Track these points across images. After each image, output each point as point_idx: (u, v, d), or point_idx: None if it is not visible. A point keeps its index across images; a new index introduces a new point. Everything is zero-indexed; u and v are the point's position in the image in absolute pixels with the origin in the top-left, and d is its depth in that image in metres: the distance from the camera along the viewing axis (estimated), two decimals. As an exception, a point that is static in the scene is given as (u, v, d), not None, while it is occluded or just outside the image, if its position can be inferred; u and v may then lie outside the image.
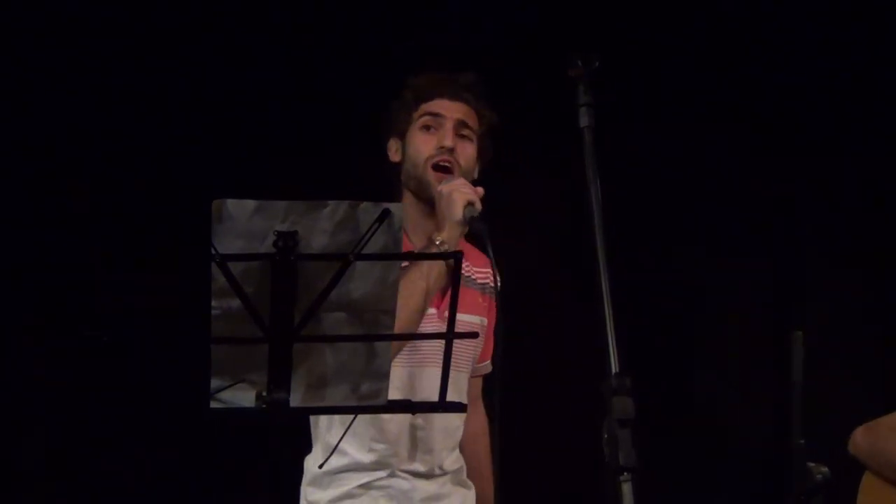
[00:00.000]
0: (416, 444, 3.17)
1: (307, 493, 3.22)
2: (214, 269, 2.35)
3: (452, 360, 3.06)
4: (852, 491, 3.52)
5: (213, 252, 2.33)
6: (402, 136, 3.25)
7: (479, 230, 3.01)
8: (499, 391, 3.04)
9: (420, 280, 3.00)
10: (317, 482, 3.21)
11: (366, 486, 3.16)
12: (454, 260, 2.50)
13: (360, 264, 2.38)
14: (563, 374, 4.51)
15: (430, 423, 3.19)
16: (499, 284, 3.27)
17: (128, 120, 4.42)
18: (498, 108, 3.30)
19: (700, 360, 4.68)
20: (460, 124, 3.21)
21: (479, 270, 3.31)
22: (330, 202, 2.41)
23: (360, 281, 2.40)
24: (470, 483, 3.35)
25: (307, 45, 4.49)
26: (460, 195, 3.03)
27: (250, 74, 4.45)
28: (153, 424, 4.31)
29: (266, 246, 2.34)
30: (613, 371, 2.26)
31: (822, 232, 4.73)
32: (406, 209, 3.14)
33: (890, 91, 4.61)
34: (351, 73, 4.49)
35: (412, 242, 3.16)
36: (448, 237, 3.03)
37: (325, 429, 3.19)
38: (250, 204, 2.37)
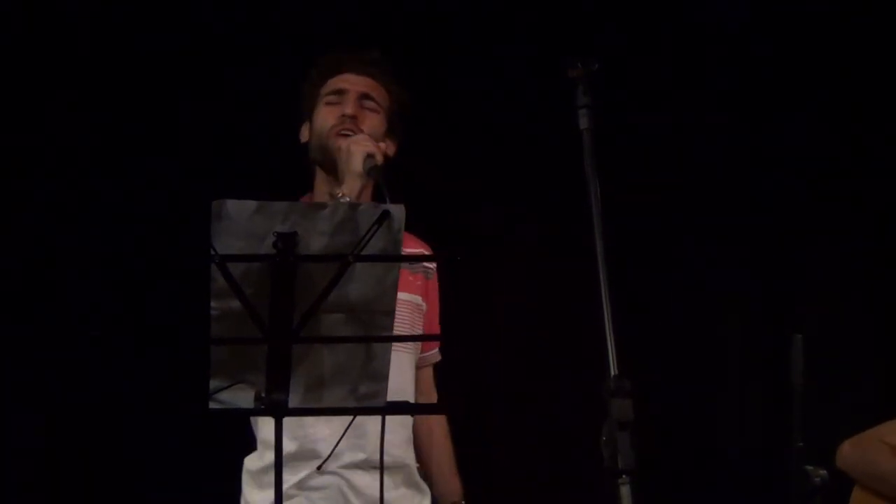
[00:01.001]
0: (345, 427, 3.00)
1: (246, 493, 3.12)
2: (214, 269, 2.35)
3: None
4: (850, 494, 3.52)
5: (213, 253, 2.33)
6: (310, 116, 3.24)
7: (377, 178, 2.96)
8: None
9: None
10: (255, 481, 3.10)
11: (300, 486, 3.04)
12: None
13: (359, 266, 2.39)
14: (562, 376, 4.51)
15: None
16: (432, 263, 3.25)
17: (129, 120, 4.42)
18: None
19: (699, 363, 4.68)
20: (363, 96, 3.18)
21: (407, 252, 3.15)
22: (329, 203, 2.42)
23: (359, 282, 2.40)
24: (425, 487, 3.22)
25: (308, 46, 4.48)
26: (359, 147, 3.01)
27: (253, 73, 4.45)
28: (154, 425, 4.31)
29: (266, 247, 2.34)
30: (612, 373, 2.26)
31: (822, 235, 4.72)
32: (319, 187, 3.17)
33: (891, 91, 4.61)
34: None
35: None
36: (349, 189, 2.99)
37: (262, 423, 3.10)
38: (250, 205, 2.38)
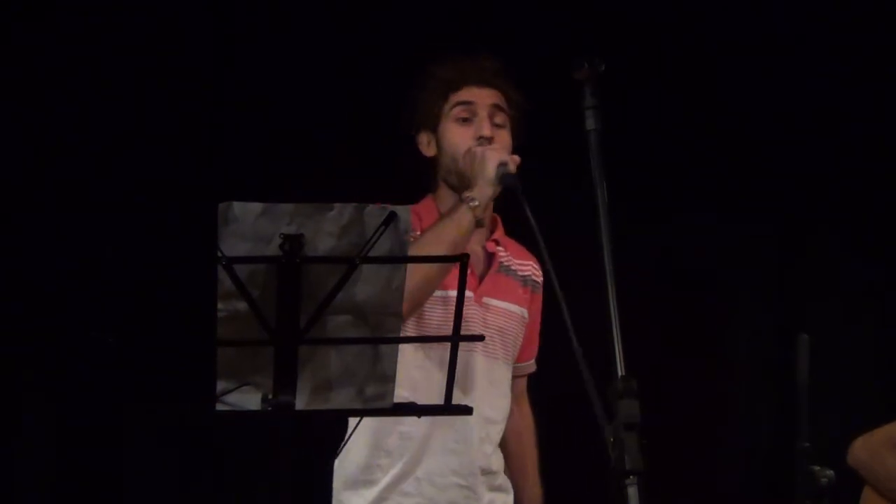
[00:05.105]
0: (448, 435, 3.12)
1: (342, 497, 3.18)
2: (221, 271, 2.35)
3: (489, 346, 3.13)
4: (857, 495, 3.52)
5: (220, 254, 2.33)
6: (434, 129, 3.20)
7: (512, 185, 2.96)
8: None
9: (447, 232, 2.99)
10: (353, 485, 3.16)
11: (391, 489, 3.12)
12: (461, 262, 2.48)
13: (365, 267, 2.38)
14: (569, 376, 4.50)
15: (474, 414, 3.03)
16: (540, 276, 3.29)
17: (133, 120, 4.42)
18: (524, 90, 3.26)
19: (705, 363, 4.68)
20: (494, 110, 3.17)
21: (520, 263, 3.28)
22: (336, 205, 2.41)
23: (366, 284, 2.40)
24: (508, 486, 3.28)
25: (310, 46, 4.49)
26: (493, 153, 3.02)
27: (257, 73, 4.45)
28: (158, 427, 4.31)
29: (272, 248, 2.34)
30: (619, 374, 2.26)
31: (828, 234, 4.72)
32: (443, 197, 3.18)
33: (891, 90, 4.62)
34: (351, 74, 4.50)
35: None
36: (479, 195, 3.01)
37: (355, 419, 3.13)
38: (256, 206, 2.38)
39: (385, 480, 3.12)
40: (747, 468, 4.58)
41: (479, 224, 3.03)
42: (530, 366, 3.39)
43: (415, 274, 2.73)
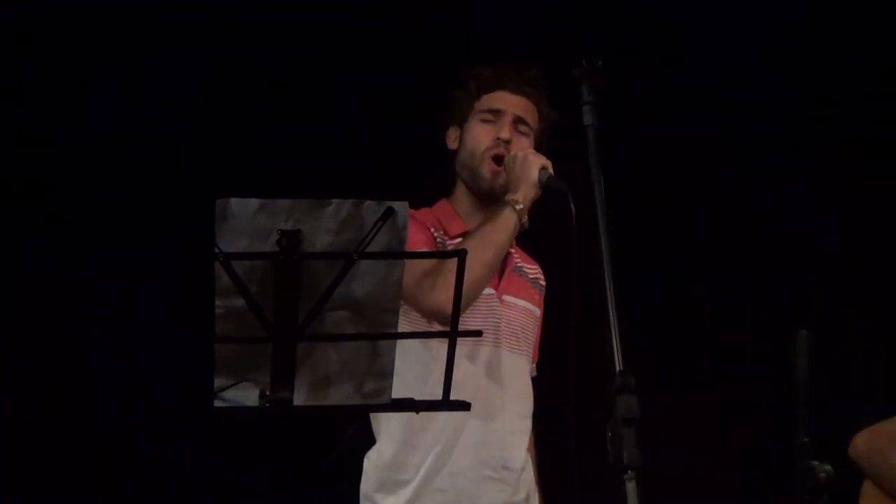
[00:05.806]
0: (479, 428, 3.15)
1: (376, 498, 3.18)
2: (218, 267, 2.35)
3: (513, 342, 3.19)
4: (856, 490, 3.51)
5: (217, 251, 2.33)
6: (462, 124, 3.31)
7: (560, 187, 3.04)
8: None
9: (494, 233, 3.07)
10: (385, 486, 3.16)
11: (425, 486, 3.13)
12: (458, 258, 2.48)
13: (363, 263, 2.38)
14: (567, 373, 4.50)
15: (502, 409, 3.18)
16: (544, 280, 3.39)
17: (131, 117, 4.42)
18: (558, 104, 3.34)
19: (704, 359, 4.68)
20: (518, 119, 3.26)
21: (529, 267, 3.37)
22: (334, 200, 2.42)
23: (364, 280, 2.40)
24: (534, 486, 3.31)
25: (309, 45, 4.49)
26: (536, 157, 3.12)
27: (255, 72, 4.45)
28: (157, 425, 4.31)
29: (270, 245, 2.34)
30: (618, 370, 2.26)
31: (826, 229, 4.72)
32: (459, 197, 3.29)
33: (891, 88, 4.62)
34: (349, 71, 4.50)
35: (468, 227, 3.22)
36: (523, 198, 3.10)
37: (385, 418, 3.17)
38: (254, 202, 2.38)
39: (418, 478, 3.13)
40: (746, 463, 4.58)
41: (521, 226, 3.11)
42: (532, 369, 3.42)
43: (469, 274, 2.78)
